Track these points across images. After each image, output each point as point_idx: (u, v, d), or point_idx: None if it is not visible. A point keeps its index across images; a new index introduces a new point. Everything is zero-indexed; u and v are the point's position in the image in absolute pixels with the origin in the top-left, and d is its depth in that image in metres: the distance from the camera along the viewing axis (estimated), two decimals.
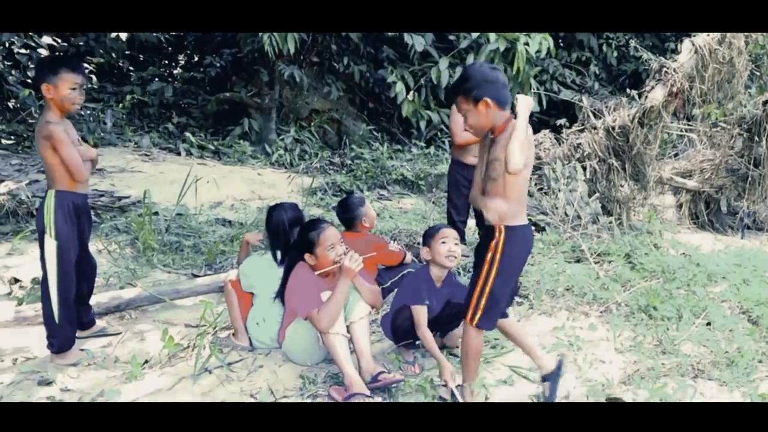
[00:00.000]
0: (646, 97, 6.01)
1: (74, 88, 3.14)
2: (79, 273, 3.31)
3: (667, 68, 5.96)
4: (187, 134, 9.06)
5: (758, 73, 7.01)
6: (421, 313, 3.21)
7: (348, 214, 4.24)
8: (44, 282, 3.18)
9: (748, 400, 3.02)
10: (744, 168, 6.85)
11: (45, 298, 3.19)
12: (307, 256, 3.22)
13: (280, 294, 3.33)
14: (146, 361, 3.26)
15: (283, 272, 3.33)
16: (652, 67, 6.17)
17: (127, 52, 10.81)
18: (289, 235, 3.48)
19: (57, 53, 8.88)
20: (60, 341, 3.22)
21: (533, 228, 2.78)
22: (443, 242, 3.30)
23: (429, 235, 3.36)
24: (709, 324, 3.89)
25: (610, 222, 5.89)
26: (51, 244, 3.14)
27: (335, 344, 2.99)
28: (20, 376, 3.06)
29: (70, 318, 3.25)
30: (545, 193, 6.59)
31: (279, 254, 3.48)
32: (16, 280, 4.13)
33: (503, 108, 2.55)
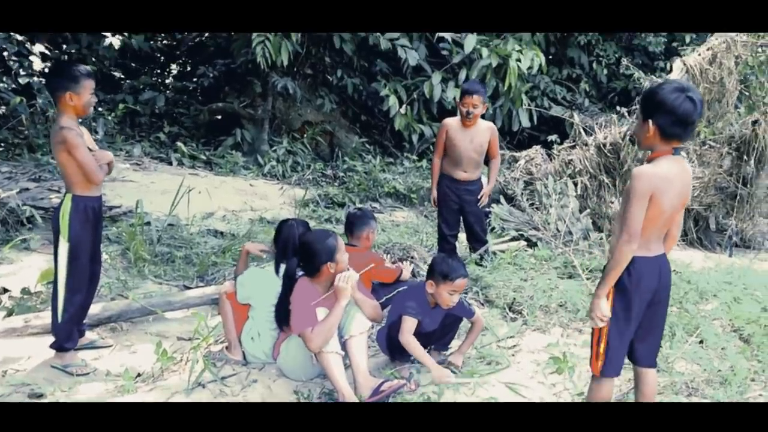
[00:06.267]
0: (636, 114, 6.09)
1: (92, 93, 3.29)
2: (90, 277, 3.40)
3: None
4: (179, 144, 9.01)
5: (747, 93, 7.11)
6: (408, 322, 3.23)
7: (362, 223, 4.23)
8: (55, 283, 3.27)
9: None
10: (732, 186, 6.93)
11: (54, 298, 3.28)
12: (328, 265, 3.16)
13: (278, 313, 3.30)
14: (138, 375, 3.22)
15: (282, 288, 3.31)
16: (643, 86, 6.24)
17: (119, 61, 10.75)
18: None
19: (56, 60, 8.81)
20: (60, 341, 3.30)
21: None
22: (451, 294, 3.27)
23: (443, 276, 3.25)
24: (701, 342, 3.91)
25: (601, 238, 5.93)
26: (63, 246, 3.22)
27: (329, 362, 2.97)
28: (9, 389, 3.01)
29: (75, 320, 3.34)
30: (537, 208, 6.63)
31: (283, 269, 3.44)
32: (5, 290, 4.07)
33: (665, 141, 2.42)
